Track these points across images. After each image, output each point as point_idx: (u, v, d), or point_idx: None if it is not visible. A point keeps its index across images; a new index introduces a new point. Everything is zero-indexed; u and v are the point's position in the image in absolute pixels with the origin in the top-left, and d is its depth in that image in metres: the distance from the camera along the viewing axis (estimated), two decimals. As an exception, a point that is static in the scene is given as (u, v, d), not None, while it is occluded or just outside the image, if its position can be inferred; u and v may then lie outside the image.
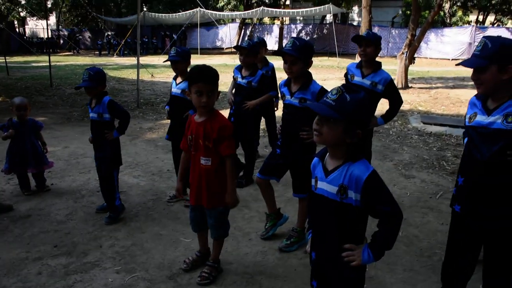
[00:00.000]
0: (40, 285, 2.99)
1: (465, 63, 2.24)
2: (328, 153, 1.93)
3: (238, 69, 4.96)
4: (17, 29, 36.30)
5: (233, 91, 5.06)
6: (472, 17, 37.06)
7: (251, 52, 4.78)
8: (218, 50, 33.10)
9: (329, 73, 17.09)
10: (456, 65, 2.60)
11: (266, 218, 3.77)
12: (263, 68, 5.23)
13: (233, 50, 26.28)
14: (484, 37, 2.23)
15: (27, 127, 4.53)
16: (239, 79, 4.89)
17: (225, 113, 5.51)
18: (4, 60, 16.01)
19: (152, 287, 2.98)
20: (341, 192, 1.83)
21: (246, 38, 26.90)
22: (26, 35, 37.12)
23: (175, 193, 4.26)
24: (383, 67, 3.81)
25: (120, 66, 20.28)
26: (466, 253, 2.66)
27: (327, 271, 2.01)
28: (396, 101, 3.89)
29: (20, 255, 3.38)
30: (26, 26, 39.53)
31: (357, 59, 4.57)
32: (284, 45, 3.14)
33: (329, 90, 1.91)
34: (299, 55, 3.17)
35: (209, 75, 2.76)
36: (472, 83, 2.30)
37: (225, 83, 9.09)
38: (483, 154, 2.27)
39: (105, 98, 3.85)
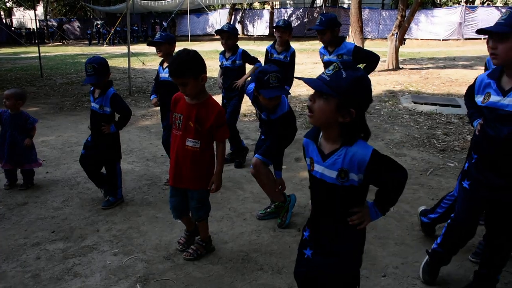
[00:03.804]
0: (39, 269, 3.04)
1: (488, 28, 2.24)
2: (321, 135, 1.87)
3: (222, 54, 5.10)
4: (3, 20, 35.79)
5: (221, 77, 5.16)
6: (462, -3, 36.93)
7: (232, 34, 4.92)
8: (209, 37, 32.84)
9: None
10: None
11: (276, 209, 3.68)
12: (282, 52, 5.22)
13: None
14: (510, 8, 2.26)
15: (11, 121, 4.33)
16: (225, 63, 5.01)
17: (218, 98, 5.55)
18: (-8, 52, 15.88)
19: (149, 267, 3.05)
20: (342, 176, 1.78)
21: (227, 23, 26.56)
22: (14, 26, 36.63)
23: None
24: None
25: (110, 55, 20.12)
26: (472, 233, 2.71)
27: (325, 247, 1.94)
28: (368, 57, 4.13)
29: (19, 241, 3.42)
30: (13, 17, 38.99)
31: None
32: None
33: (315, 73, 1.92)
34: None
35: (175, 70, 2.71)
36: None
37: (216, 69, 9.09)
38: (500, 132, 2.28)
39: (110, 90, 3.75)
